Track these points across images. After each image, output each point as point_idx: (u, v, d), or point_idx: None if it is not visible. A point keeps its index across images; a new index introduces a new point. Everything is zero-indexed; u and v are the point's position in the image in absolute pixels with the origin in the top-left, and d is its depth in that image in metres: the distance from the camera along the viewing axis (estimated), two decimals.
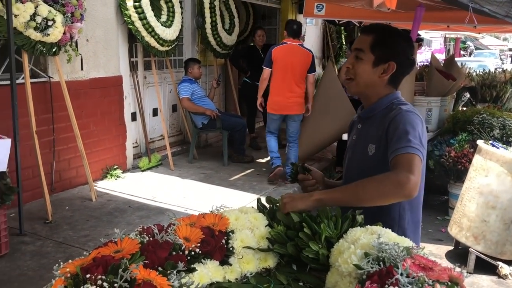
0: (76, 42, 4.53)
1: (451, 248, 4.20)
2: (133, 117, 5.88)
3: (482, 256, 3.73)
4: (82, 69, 4.84)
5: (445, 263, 3.60)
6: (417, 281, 1.02)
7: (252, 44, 7.25)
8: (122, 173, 5.47)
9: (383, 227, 1.36)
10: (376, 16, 7.02)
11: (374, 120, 1.72)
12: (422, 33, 14.87)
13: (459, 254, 4.04)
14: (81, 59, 4.79)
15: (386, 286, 1.00)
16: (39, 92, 4.39)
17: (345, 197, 1.51)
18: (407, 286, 0.99)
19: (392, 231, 1.56)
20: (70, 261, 1.12)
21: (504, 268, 3.70)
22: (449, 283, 1.05)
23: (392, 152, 1.55)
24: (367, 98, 1.77)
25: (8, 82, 3.74)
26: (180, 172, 5.76)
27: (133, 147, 5.90)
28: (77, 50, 4.54)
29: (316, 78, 5.80)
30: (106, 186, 5.08)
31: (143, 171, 5.69)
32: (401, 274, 1.03)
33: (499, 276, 3.71)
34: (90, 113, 5.03)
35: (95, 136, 5.14)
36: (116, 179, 5.30)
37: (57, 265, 1.12)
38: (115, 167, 5.39)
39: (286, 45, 5.32)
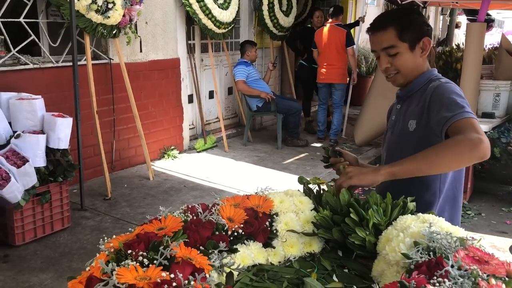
0: (136, 25, 4.64)
1: None
2: (190, 99, 5.97)
3: None
4: (141, 51, 4.96)
5: (509, 257, 3.40)
6: (470, 274, 0.94)
7: (309, 25, 7.09)
8: (179, 153, 5.59)
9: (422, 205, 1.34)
10: None
11: (413, 98, 1.69)
12: (493, 13, 13.97)
13: None
14: (140, 42, 4.90)
15: (435, 278, 0.94)
16: (100, 74, 4.54)
17: (418, 166, 1.43)
18: (458, 279, 0.92)
19: (432, 206, 1.60)
20: (114, 236, 1.14)
21: None
22: (507, 279, 0.97)
23: (447, 120, 1.47)
24: (409, 81, 1.71)
25: (71, 63, 3.89)
26: (234, 154, 5.81)
27: (190, 128, 6.01)
28: (136, 33, 4.65)
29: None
30: (163, 165, 5.22)
31: (198, 152, 5.78)
32: (452, 266, 0.96)
33: None
34: (148, 95, 5.15)
35: (153, 117, 5.27)
36: (173, 159, 5.43)
37: (101, 240, 1.14)
38: (172, 147, 5.52)
39: (326, 26, 6.28)
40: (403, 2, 8.82)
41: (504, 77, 5.17)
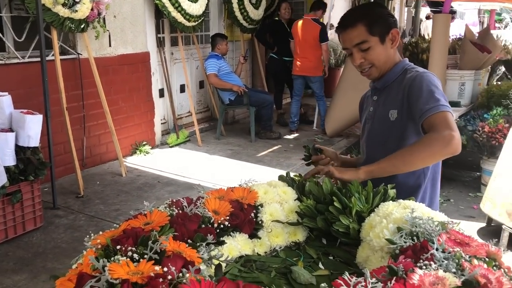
0: (104, 19, 4.54)
1: (483, 225, 4.10)
2: (161, 93, 5.91)
3: None
4: (110, 45, 4.87)
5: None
6: (454, 256, 0.98)
7: (277, 18, 7.10)
8: (151, 149, 5.53)
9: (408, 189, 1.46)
10: None
11: (392, 88, 1.74)
12: (455, 5, 14.34)
13: (491, 231, 3.94)
14: (109, 36, 4.81)
15: (421, 261, 0.97)
16: (69, 69, 4.44)
17: (395, 165, 1.53)
18: (443, 262, 0.96)
19: (416, 192, 1.69)
20: (100, 232, 1.13)
21: None
22: (487, 259, 1.02)
23: (423, 113, 1.56)
24: (383, 73, 1.76)
25: (39, 59, 3.79)
26: (207, 148, 5.79)
27: (161, 123, 5.95)
28: (105, 27, 4.56)
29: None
30: (136, 161, 5.16)
31: (171, 147, 5.74)
32: (437, 249, 1.00)
33: None
34: (118, 90, 5.07)
35: (124, 113, 5.19)
36: (145, 155, 5.37)
37: (88, 236, 1.13)
38: (144, 143, 5.45)
39: (302, 19, 6.41)
40: None
41: (469, 67, 5.33)
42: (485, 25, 22.20)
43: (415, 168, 1.58)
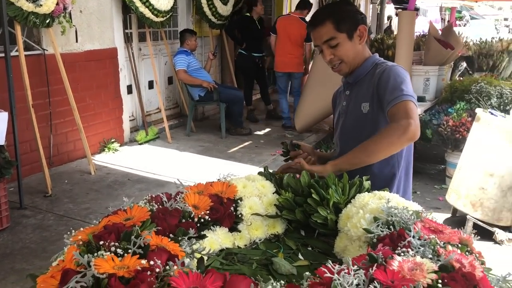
0: (70, 14, 4.44)
1: (448, 215, 4.25)
2: (129, 90, 5.82)
3: (479, 222, 3.78)
4: (76, 41, 4.76)
5: None
6: (429, 243, 1.02)
7: (247, 14, 7.10)
8: (120, 146, 5.45)
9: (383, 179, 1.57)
10: None
11: (363, 82, 1.79)
12: (418, 2, 14.70)
13: (456, 221, 4.09)
14: (76, 31, 4.71)
15: (399, 248, 1.01)
16: (34, 65, 4.32)
17: (358, 156, 1.60)
18: (420, 248, 1.00)
19: (391, 181, 1.76)
20: (73, 231, 1.12)
21: (500, 234, 3.76)
22: (460, 245, 1.07)
23: (388, 104, 1.64)
24: (354, 68, 1.82)
25: (2, 54, 3.67)
26: (178, 145, 5.75)
27: (130, 120, 5.87)
28: (71, 22, 4.45)
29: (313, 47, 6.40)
30: (104, 159, 5.07)
31: (140, 144, 5.67)
32: (413, 237, 1.04)
33: (495, 242, 3.78)
34: (85, 86, 4.97)
35: (92, 110, 5.10)
36: (113, 152, 5.29)
37: (68, 233, 1.12)
38: (112, 140, 5.37)
39: (288, 16, 6.64)
40: None
41: (433, 62, 5.49)
42: (446, 22, 22.83)
43: (378, 159, 1.62)
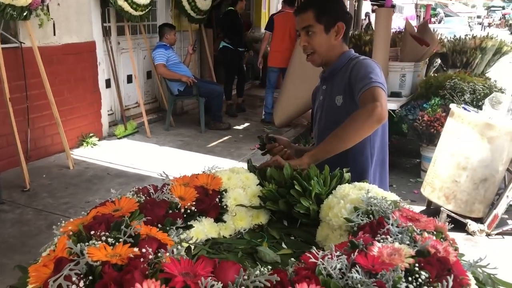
0: (48, 6, 4.38)
1: (423, 208, 4.37)
2: (108, 84, 5.78)
3: (453, 214, 3.90)
4: (54, 34, 4.70)
5: None
6: (407, 230, 1.08)
7: (232, 8, 7.11)
8: (98, 140, 5.42)
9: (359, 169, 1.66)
10: None
11: (337, 76, 1.86)
12: (394, 0, 14.91)
13: (431, 213, 4.21)
14: (53, 24, 4.65)
15: (378, 235, 1.07)
16: (11, 58, 4.26)
17: (332, 144, 1.64)
18: (398, 235, 1.06)
19: (366, 171, 1.83)
20: (54, 227, 1.13)
21: (472, 225, 3.89)
22: (435, 232, 1.13)
23: (357, 92, 1.70)
24: (329, 62, 1.88)
25: None
26: (157, 139, 5.74)
27: (108, 114, 5.83)
28: (49, 15, 4.40)
29: None
30: (83, 153, 5.04)
31: (119, 138, 5.64)
32: (392, 225, 1.10)
33: (468, 233, 3.91)
34: (64, 80, 4.92)
35: (70, 104, 5.05)
36: (92, 146, 5.26)
37: (59, 223, 1.14)
38: (90, 134, 5.33)
39: (284, 12, 6.54)
40: None
41: (409, 59, 5.60)
42: (421, 19, 23.20)
43: (351, 144, 1.64)
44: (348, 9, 1.95)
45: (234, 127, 6.42)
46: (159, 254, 0.94)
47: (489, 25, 35.88)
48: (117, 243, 1.01)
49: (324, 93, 1.92)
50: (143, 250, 0.94)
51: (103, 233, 1.05)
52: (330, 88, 1.89)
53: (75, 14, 4.96)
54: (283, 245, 1.33)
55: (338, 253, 0.98)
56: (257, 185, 1.51)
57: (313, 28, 1.80)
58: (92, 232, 1.06)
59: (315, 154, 1.63)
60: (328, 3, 1.84)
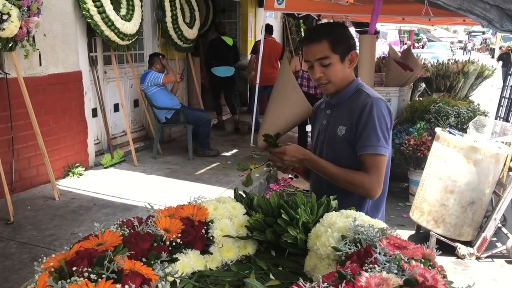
0: (33, 37, 4.39)
1: (412, 232, 4.37)
2: (94, 113, 5.76)
3: (442, 238, 3.90)
4: (40, 64, 4.70)
5: None
6: (394, 259, 1.07)
7: (222, 36, 7.78)
8: (85, 170, 5.36)
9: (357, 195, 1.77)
10: (335, 9, 7.16)
11: (344, 105, 1.86)
12: (378, 26, 15.22)
13: (420, 237, 4.21)
14: (39, 55, 4.65)
15: (366, 264, 1.05)
16: None
17: (327, 173, 1.81)
18: (386, 264, 1.05)
19: (365, 198, 1.85)
20: (53, 255, 1.11)
21: (462, 249, 3.89)
22: (423, 260, 1.12)
23: (361, 147, 1.76)
24: (339, 91, 1.87)
25: None
26: (144, 168, 5.70)
27: (95, 143, 5.79)
28: (35, 45, 4.40)
29: None
30: (69, 184, 4.97)
31: (106, 168, 5.59)
32: (379, 253, 1.09)
33: (458, 257, 3.91)
34: (49, 110, 4.89)
35: (55, 134, 5.01)
36: (78, 176, 5.19)
37: (40, 260, 1.11)
38: (77, 164, 5.27)
39: (268, 39, 7.52)
40: (300, 15, 9.31)
41: (393, 84, 5.70)
42: (405, 45, 23.70)
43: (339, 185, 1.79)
44: None
45: (223, 154, 6.41)
46: None
47: (472, 49, 36.77)
48: (99, 279, 0.99)
49: (327, 118, 1.92)
50: (126, 286, 0.92)
51: (85, 269, 1.03)
52: (334, 115, 1.88)
53: (61, 44, 4.97)
54: (271, 276, 1.31)
55: (325, 284, 0.97)
56: (244, 214, 1.50)
57: (329, 59, 1.77)
58: (74, 268, 1.03)
59: (309, 159, 1.80)
60: (342, 32, 1.83)
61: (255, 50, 7.64)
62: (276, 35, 11.07)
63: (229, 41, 7.72)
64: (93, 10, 5.03)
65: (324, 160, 1.84)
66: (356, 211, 1.80)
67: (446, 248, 3.88)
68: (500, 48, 17.13)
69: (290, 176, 5.48)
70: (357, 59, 1.84)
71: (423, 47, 31.00)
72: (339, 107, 1.88)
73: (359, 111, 1.77)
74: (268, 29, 7.75)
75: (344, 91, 1.85)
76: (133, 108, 6.67)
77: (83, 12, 5.02)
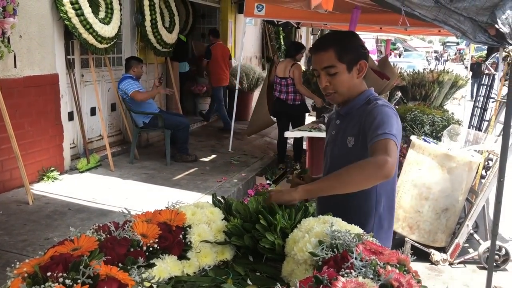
0: (9, 38, 4.30)
1: None
2: (70, 116, 5.67)
3: (417, 244, 3.97)
4: (15, 66, 4.60)
5: None
6: (370, 264, 1.09)
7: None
8: (60, 175, 5.26)
9: (362, 214, 1.70)
10: (314, 17, 7.23)
11: (353, 116, 1.80)
12: None
13: (395, 243, 4.25)
14: (14, 56, 4.56)
15: (343, 269, 1.07)
16: None
17: (331, 184, 1.60)
18: (362, 269, 1.07)
19: (369, 216, 1.78)
20: (27, 260, 1.09)
21: (436, 255, 3.96)
22: (398, 265, 1.14)
23: (370, 140, 1.65)
24: (347, 101, 1.83)
25: None
26: (121, 172, 5.63)
27: (71, 147, 5.69)
28: (10, 47, 4.31)
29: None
30: (43, 188, 4.87)
31: (81, 172, 5.50)
32: (356, 258, 1.10)
33: (432, 263, 3.97)
34: (24, 113, 4.80)
35: (30, 137, 4.91)
36: (53, 181, 5.09)
37: (12, 265, 1.09)
38: (52, 168, 5.18)
39: (218, 44, 8.33)
40: (279, 23, 9.37)
41: None
42: (383, 54, 24.09)
43: (352, 190, 1.61)
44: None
45: (201, 159, 6.38)
46: None
47: (447, 59, 37.59)
48: (75, 285, 0.98)
49: (337, 129, 1.87)
50: None
51: (60, 274, 1.01)
52: (344, 126, 1.83)
53: (37, 46, 4.89)
54: (249, 282, 1.32)
55: None
56: (222, 219, 1.50)
57: (335, 68, 1.72)
58: (49, 274, 1.02)
59: (310, 190, 1.59)
60: (350, 41, 1.78)
61: (208, 55, 8.20)
62: (256, 41, 11.14)
63: (182, 37, 7.75)
64: (71, 13, 4.97)
65: (320, 180, 1.73)
66: (374, 211, 1.79)
67: (421, 254, 3.94)
68: (472, 58, 17.25)
69: (268, 182, 5.49)
70: (366, 68, 1.77)
71: (399, 56, 31.56)
72: (348, 117, 1.82)
73: (365, 117, 1.71)
74: (215, 33, 8.42)
75: (353, 101, 1.80)
76: (110, 112, 6.59)
77: (61, 14, 4.96)
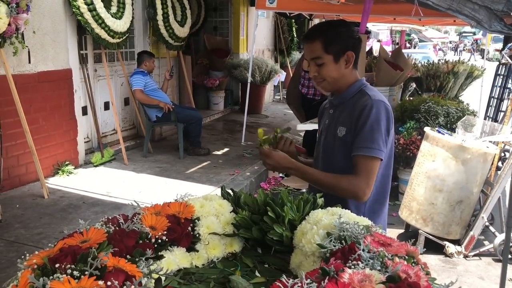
0: (23, 34, 4.36)
1: (402, 231, 4.39)
2: (84, 111, 5.73)
3: (431, 237, 3.93)
4: (29, 62, 4.66)
5: None
6: (378, 255, 1.08)
7: None
8: (74, 169, 5.33)
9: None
10: (326, 9, 7.17)
11: (346, 106, 1.83)
12: (369, 26, 15.27)
13: (409, 236, 4.22)
14: (28, 52, 4.61)
15: (350, 261, 1.06)
16: None
17: (314, 180, 1.80)
18: (369, 261, 1.06)
19: (360, 204, 1.85)
20: (36, 252, 1.11)
21: (450, 247, 3.92)
22: (407, 257, 1.13)
23: (356, 148, 1.73)
24: (339, 90, 1.85)
25: None
26: (134, 166, 5.68)
27: (85, 142, 5.75)
28: (24, 43, 4.37)
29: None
30: (58, 182, 4.94)
31: (96, 166, 5.56)
32: (363, 250, 1.09)
33: (446, 255, 3.93)
34: (39, 108, 4.86)
35: (45, 132, 4.97)
36: (68, 175, 5.16)
37: (22, 257, 1.10)
38: (66, 163, 5.24)
39: None
40: (292, 14, 9.31)
41: (383, 83, 5.71)
42: (396, 45, 23.81)
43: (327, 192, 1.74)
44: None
45: (213, 153, 6.40)
46: (125, 287, 0.92)
47: (464, 49, 37.02)
48: (82, 276, 0.98)
49: (330, 118, 1.90)
50: (109, 283, 0.92)
51: (68, 265, 1.02)
52: (337, 115, 1.86)
53: (51, 42, 4.94)
54: (257, 273, 1.31)
55: (308, 280, 0.97)
56: (230, 212, 1.50)
57: (322, 59, 1.75)
58: (57, 265, 1.03)
59: (296, 167, 1.78)
60: (336, 32, 1.78)
61: None
62: (268, 34, 11.09)
63: None
64: (84, 8, 5.01)
65: (313, 168, 1.83)
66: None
67: (435, 247, 3.91)
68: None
69: (280, 175, 5.48)
70: (354, 59, 1.78)
71: (414, 47, 31.15)
72: (341, 107, 1.85)
73: (358, 113, 1.74)
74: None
75: (346, 91, 1.83)
76: (124, 106, 6.64)
77: (73, 10, 5.00)
